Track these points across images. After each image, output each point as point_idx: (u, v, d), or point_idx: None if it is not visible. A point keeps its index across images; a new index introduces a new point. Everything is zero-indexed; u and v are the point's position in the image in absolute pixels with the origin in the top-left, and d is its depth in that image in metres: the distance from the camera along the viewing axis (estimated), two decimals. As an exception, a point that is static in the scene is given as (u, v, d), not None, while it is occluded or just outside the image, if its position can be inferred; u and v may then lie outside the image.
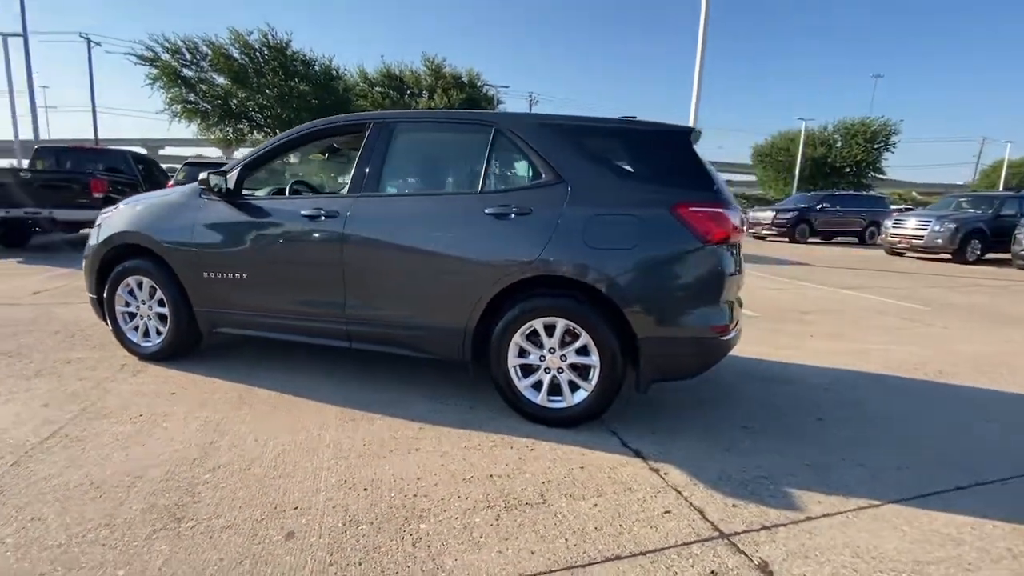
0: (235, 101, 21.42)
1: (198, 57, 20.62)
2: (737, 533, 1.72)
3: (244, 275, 2.83)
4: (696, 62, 10.74)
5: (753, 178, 42.11)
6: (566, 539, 1.65)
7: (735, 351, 3.84)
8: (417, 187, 2.80)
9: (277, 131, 22.25)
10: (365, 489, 1.89)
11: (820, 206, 16.55)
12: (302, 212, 2.69)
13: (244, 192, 2.94)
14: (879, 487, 2.05)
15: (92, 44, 27.67)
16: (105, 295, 3.13)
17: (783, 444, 2.40)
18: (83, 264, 3.23)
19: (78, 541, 1.55)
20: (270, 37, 20.97)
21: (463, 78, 24.76)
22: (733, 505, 1.88)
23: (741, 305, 2.73)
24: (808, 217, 16.40)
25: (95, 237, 3.17)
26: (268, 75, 20.84)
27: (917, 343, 4.35)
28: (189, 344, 3.14)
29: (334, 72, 22.84)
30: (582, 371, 2.41)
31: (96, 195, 7.26)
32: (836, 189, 24.92)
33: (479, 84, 25.42)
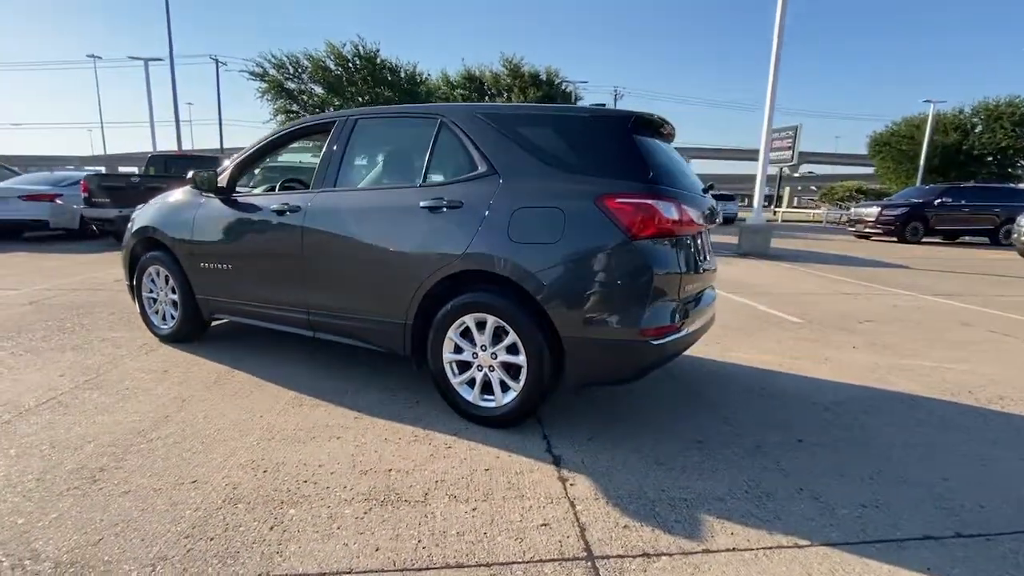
0: (331, 109, 23.27)
1: (299, 70, 22.69)
2: (607, 557, 1.56)
3: (229, 266, 3.08)
4: (772, 52, 9.79)
5: (872, 170, 37.42)
6: (419, 540, 1.61)
7: (744, 359, 3.51)
8: (369, 181, 2.85)
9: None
10: (265, 471, 1.98)
11: (939, 200, 14.31)
12: (272, 207, 2.87)
13: (239, 189, 3.20)
14: (822, 526, 1.74)
15: (219, 64, 31.51)
16: (134, 282, 3.58)
17: (734, 465, 2.12)
18: (121, 254, 3.71)
19: (8, 491, 1.79)
20: (361, 48, 22.51)
21: (541, 76, 24.75)
22: (625, 526, 1.71)
23: (711, 302, 2.46)
24: (923, 213, 14.27)
25: (128, 230, 3.62)
26: (358, 83, 22.36)
27: (991, 361, 3.63)
28: (197, 328, 3.48)
29: (418, 78, 23.94)
30: (512, 370, 2.32)
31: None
32: (968, 181, 21.41)
33: (557, 81, 25.25)
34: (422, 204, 2.40)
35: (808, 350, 3.79)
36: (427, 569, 1.49)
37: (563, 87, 25.86)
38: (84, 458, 2.02)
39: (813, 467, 2.13)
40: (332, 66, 22.84)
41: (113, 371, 2.96)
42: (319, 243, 2.69)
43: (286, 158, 7.60)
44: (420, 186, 2.48)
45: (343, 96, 22.69)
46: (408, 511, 1.76)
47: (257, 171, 3.18)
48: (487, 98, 25.75)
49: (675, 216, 2.10)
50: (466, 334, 2.39)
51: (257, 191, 3.43)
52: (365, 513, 1.74)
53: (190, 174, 3.09)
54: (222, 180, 3.11)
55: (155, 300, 3.55)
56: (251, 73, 22.58)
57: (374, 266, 2.54)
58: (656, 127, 2.45)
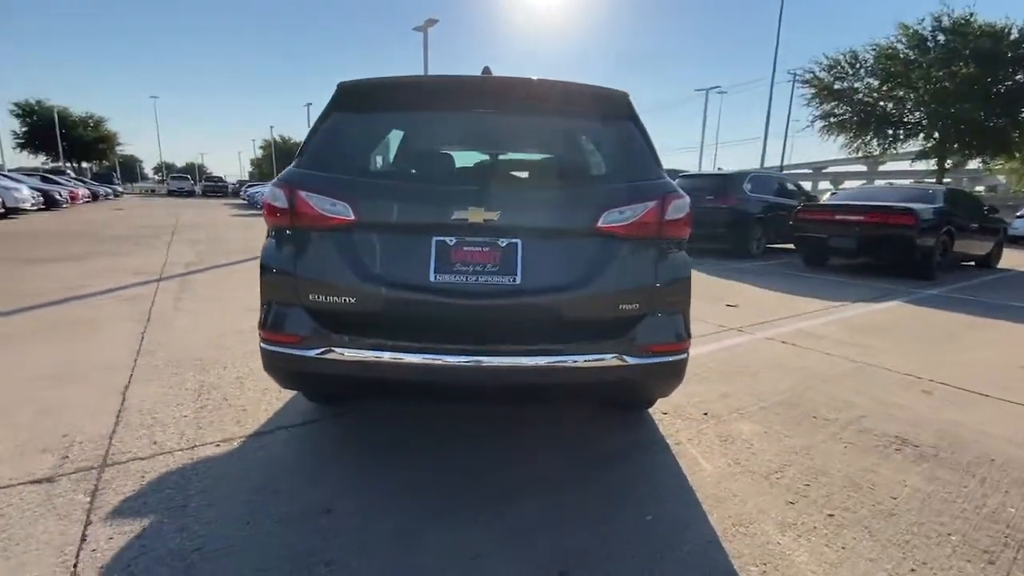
0: (888, 104, 19.31)
1: (856, 65, 19.81)
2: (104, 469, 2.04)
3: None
4: None
5: None
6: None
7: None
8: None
9: (935, 135, 18.39)
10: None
11: None
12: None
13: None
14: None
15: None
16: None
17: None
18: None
19: (180, 341, 4.06)
20: (946, 17, 17.11)
21: None
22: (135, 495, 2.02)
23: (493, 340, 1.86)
24: None
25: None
26: (924, 65, 17.28)
27: None
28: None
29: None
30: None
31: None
32: None
33: None
34: None
35: None
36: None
37: None
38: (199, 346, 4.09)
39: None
40: (903, 49, 18.62)
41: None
42: None
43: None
44: None
45: (908, 85, 18.17)
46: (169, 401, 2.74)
47: None
48: None
49: (281, 205, 1.90)
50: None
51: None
52: (124, 388, 2.86)
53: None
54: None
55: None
56: (802, 81, 21.75)
57: None
58: (350, 99, 2.06)
